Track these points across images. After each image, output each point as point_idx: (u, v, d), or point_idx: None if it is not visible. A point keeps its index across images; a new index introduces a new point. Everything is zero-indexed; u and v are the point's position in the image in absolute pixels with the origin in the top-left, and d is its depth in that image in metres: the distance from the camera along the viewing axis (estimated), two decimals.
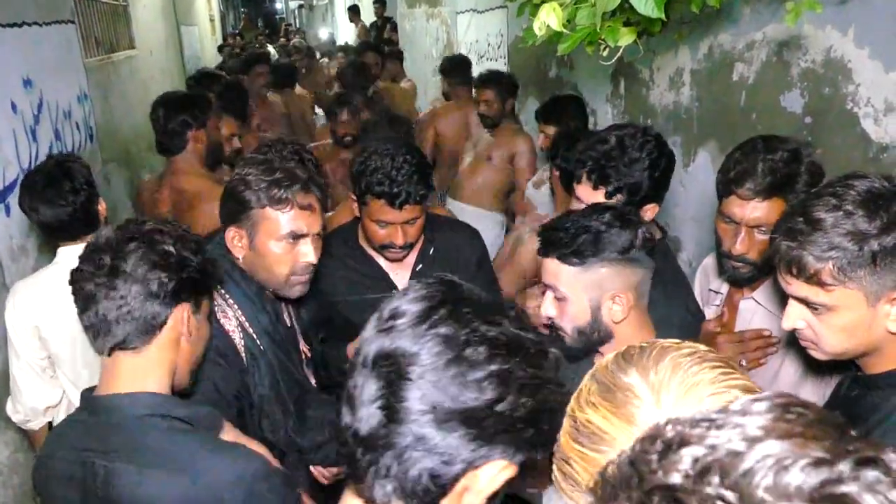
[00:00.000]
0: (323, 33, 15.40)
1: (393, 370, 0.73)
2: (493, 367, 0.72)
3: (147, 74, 6.43)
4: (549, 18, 1.11)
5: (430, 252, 2.01)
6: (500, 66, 4.85)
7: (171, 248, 1.16)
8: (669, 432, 0.49)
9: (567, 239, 1.33)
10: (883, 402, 1.09)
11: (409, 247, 1.91)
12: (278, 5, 31.05)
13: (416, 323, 0.74)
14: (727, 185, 1.49)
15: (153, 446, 1.11)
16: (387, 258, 1.95)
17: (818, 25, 2.08)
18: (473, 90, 3.87)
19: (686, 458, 0.46)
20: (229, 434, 1.27)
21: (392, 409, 0.72)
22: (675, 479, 0.46)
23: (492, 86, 3.57)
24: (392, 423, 0.72)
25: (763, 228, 1.47)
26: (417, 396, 0.71)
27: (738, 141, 1.63)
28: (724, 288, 1.77)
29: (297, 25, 22.92)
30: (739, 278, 1.59)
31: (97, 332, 1.15)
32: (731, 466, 0.44)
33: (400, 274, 1.99)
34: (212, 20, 14.70)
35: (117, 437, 1.12)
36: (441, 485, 0.73)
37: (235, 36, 16.01)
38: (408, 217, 1.83)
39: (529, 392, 0.74)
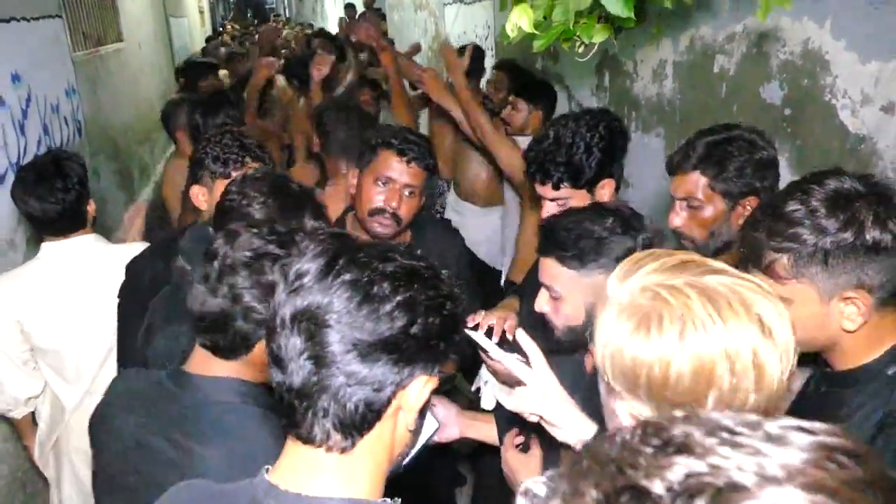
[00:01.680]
0: (314, 24, 15.34)
1: (311, 322, 0.80)
2: (399, 298, 0.81)
3: (136, 67, 6.41)
4: (520, 20, 1.13)
5: (418, 251, 2.03)
6: (489, 57, 4.86)
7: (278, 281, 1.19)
8: (677, 429, 0.43)
9: (568, 241, 1.34)
10: (848, 399, 1.11)
11: (398, 220, 1.91)
12: None
13: (321, 277, 0.81)
14: (666, 163, 1.62)
15: (237, 431, 1.12)
16: (374, 231, 1.92)
17: (796, 17, 2.10)
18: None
19: (678, 468, 0.39)
20: None
21: (319, 357, 0.80)
22: (657, 488, 0.39)
23: (506, 72, 3.60)
24: (322, 369, 0.80)
25: (693, 203, 1.55)
26: (338, 339, 0.79)
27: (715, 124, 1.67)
28: None
29: (287, 16, 22.79)
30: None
31: (196, 327, 1.17)
32: (725, 501, 0.36)
33: None
34: (201, 12, 14.62)
35: (205, 418, 1.14)
36: (376, 410, 0.82)
37: (226, 25, 15.92)
38: (410, 180, 1.87)
39: (435, 311, 0.83)
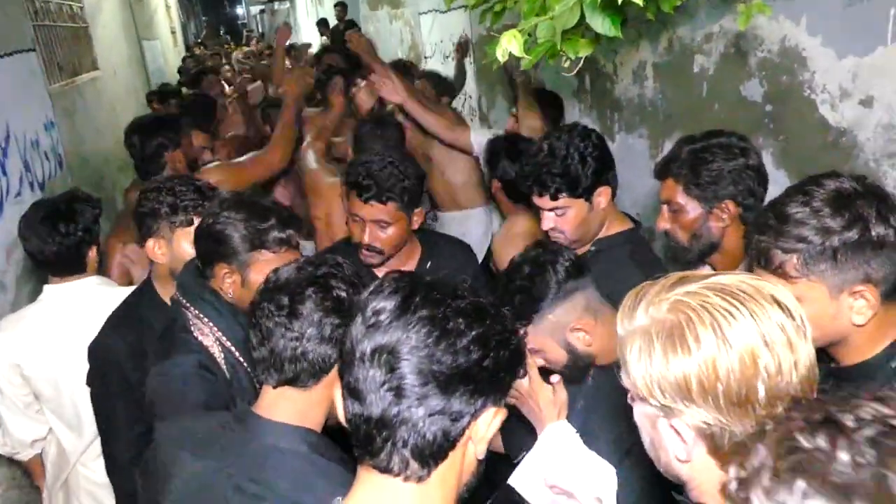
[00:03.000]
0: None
1: (392, 356, 0.83)
2: (474, 332, 0.85)
3: (113, 94, 6.37)
4: (510, 46, 1.15)
5: (428, 266, 2.05)
6: (466, 65, 4.88)
7: (345, 294, 1.20)
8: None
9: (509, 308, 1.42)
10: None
11: (379, 252, 1.92)
12: (239, 10, 30.72)
13: (399, 313, 0.85)
14: None
15: (303, 482, 1.12)
16: (363, 257, 1.95)
17: (772, 16, 2.14)
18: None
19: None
20: None
21: (399, 389, 0.83)
22: (847, 419, 0.59)
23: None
24: (402, 400, 0.83)
25: (672, 207, 1.64)
26: (418, 372, 0.83)
27: (702, 130, 1.72)
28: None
29: (260, 30, 22.71)
30: (677, 259, 1.72)
31: (268, 366, 1.19)
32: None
33: None
34: (173, 32, 14.53)
35: (271, 463, 1.14)
36: (452, 440, 0.86)
37: (199, 45, 15.84)
38: (376, 216, 1.86)
39: (504, 345, 0.88)
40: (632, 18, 2.03)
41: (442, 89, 3.78)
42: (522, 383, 1.42)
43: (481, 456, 0.90)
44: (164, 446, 1.25)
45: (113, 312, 1.90)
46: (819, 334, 1.14)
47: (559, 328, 1.43)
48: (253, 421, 1.19)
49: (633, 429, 0.97)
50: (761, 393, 0.81)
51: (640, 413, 0.92)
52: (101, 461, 1.93)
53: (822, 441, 0.60)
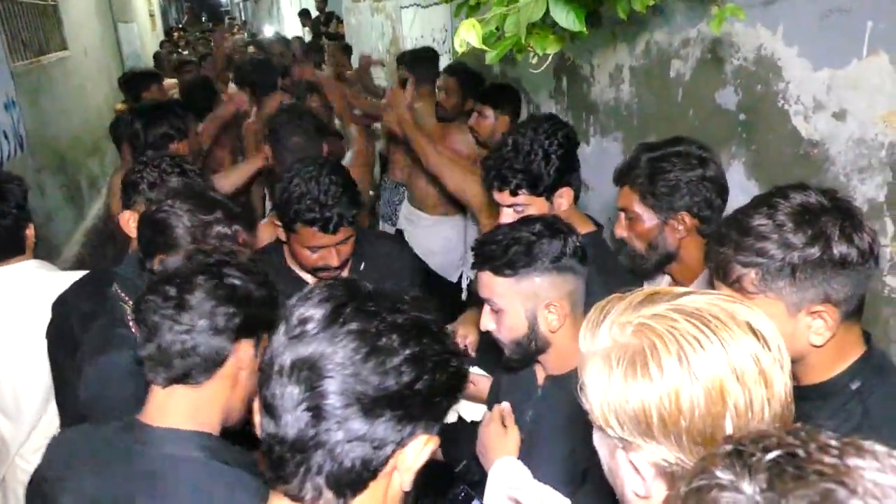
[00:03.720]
0: (268, 29, 15.11)
1: (313, 373, 0.75)
2: (408, 352, 0.77)
3: (82, 76, 6.20)
4: (468, 35, 1.09)
5: (361, 268, 1.97)
6: (445, 61, 4.82)
7: (238, 282, 1.14)
8: None
9: (499, 251, 1.35)
10: (814, 412, 1.11)
11: (343, 265, 1.87)
12: None
13: (326, 325, 0.77)
14: None
15: (204, 490, 1.06)
16: (321, 279, 1.88)
17: (749, 24, 2.11)
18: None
19: None
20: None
21: (318, 409, 0.75)
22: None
23: (457, 77, 3.42)
24: (321, 423, 0.75)
25: (628, 214, 1.61)
26: (340, 391, 0.75)
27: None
28: (662, 284, 1.79)
29: (243, 19, 22.43)
30: (635, 268, 1.67)
31: (156, 364, 1.11)
32: None
33: None
34: (152, 15, 14.27)
35: (167, 473, 1.07)
36: (372, 469, 0.78)
37: (179, 30, 15.59)
38: (341, 238, 1.78)
39: (441, 367, 0.80)
40: (606, 19, 1.99)
41: (469, 88, 3.37)
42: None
43: (407, 487, 0.83)
44: (53, 463, 1.16)
45: (88, 273, 1.89)
46: None
47: (535, 298, 1.36)
48: (140, 430, 1.10)
49: (588, 445, 0.90)
50: (728, 431, 0.73)
51: (599, 440, 0.85)
52: (41, 454, 1.85)
53: (724, 473, 0.54)
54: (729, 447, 0.56)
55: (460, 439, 1.62)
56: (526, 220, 1.43)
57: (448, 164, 2.64)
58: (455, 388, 0.83)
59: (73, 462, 1.13)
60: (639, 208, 1.57)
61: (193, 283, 1.11)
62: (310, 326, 0.77)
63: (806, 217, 1.05)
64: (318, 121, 2.69)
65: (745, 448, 0.55)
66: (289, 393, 0.76)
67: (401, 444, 0.78)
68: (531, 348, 1.39)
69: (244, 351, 1.15)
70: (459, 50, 1.16)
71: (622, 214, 1.64)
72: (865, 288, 1.10)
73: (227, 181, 2.78)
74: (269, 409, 0.78)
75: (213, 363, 1.12)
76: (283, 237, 1.86)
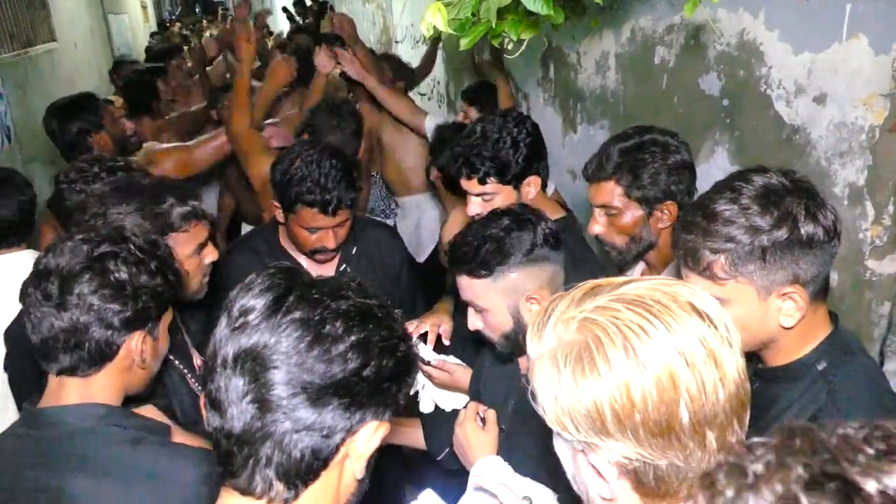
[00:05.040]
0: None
1: (257, 363, 0.74)
2: (353, 338, 0.76)
3: (71, 67, 6.17)
4: (434, 19, 1.08)
5: (353, 252, 1.99)
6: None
7: (126, 276, 1.09)
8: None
9: (471, 253, 1.34)
10: (782, 393, 1.11)
11: (339, 249, 1.90)
12: None
13: (269, 315, 0.75)
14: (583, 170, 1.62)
15: (109, 456, 1.06)
16: (317, 261, 1.92)
17: (731, 9, 2.10)
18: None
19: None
20: (177, 436, 1.23)
21: (264, 401, 0.74)
22: (869, 486, 0.42)
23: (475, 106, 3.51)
24: (267, 414, 0.74)
25: (610, 211, 1.55)
26: (285, 381, 0.73)
27: (661, 123, 1.66)
28: (637, 271, 1.79)
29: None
30: (613, 262, 1.64)
31: (44, 354, 1.10)
32: None
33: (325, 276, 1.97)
34: (144, 7, 14.16)
35: (67, 449, 1.07)
36: (323, 458, 0.77)
37: (174, 22, 15.46)
38: (340, 221, 1.82)
39: (389, 352, 0.79)
40: (591, 6, 1.97)
41: (400, 74, 3.66)
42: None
43: (360, 475, 0.82)
44: None
45: None
46: (748, 338, 1.09)
47: (515, 292, 1.34)
48: (37, 417, 1.10)
49: None
50: (685, 419, 0.71)
51: (559, 446, 0.82)
52: None
53: None
54: (824, 467, 0.47)
55: (442, 428, 1.62)
56: (494, 215, 1.41)
57: (399, 99, 3.06)
58: (404, 372, 0.82)
59: None
60: (621, 202, 1.53)
61: (76, 281, 1.07)
62: (251, 317, 0.76)
63: (770, 199, 1.05)
64: (357, 120, 2.68)
65: (857, 480, 0.46)
66: (233, 385, 0.74)
67: (351, 431, 0.77)
68: (517, 340, 1.39)
69: (138, 340, 1.13)
70: (427, 34, 1.14)
71: (598, 211, 1.60)
72: (830, 267, 1.10)
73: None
74: (215, 403, 0.76)
75: (102, 357, 1.10)
76: (280, 218, 1.89)
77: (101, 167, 1.78)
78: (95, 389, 1.12)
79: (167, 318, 1.22)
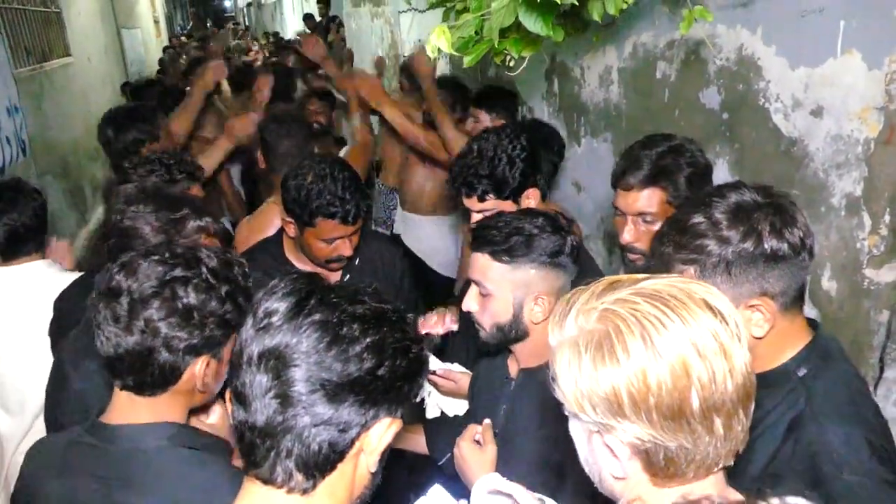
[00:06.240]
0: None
1: (279, 362, 0.80)
2: (368, 340, 0.82)
3: (85, 82, 6.28)
4: (439, 41, 1.13)
5: (357, 263, 2.04)
6: (442, 65, 4.87)
7: (196, 302, 1.09)
8: None
9: (500, 237, 1.38)
10: (762, 400, 1.13)
11: (351, 258, 1.96)
12: (227, 3, 30.45)
13: (291, 316, 0.82)
14: (614, 179, 1.62)
15: (175, 475, 1.09)
16: (332, 269, 1.97)
17: (730, 25, 2.15)
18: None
19: None
20: (237, 459, 1.25)
21: (285, 396, 0.80)
22: None
23: (446, 89, 3.46)
24: (288, 409, 0.80)
25: (647, 218, 1.57)
26: (305, 378, 0.80)
27: (646, 135, 1.69)
28: None
29: (247, 24, 22.55)
30: (636, 270, 1.65)
31: (112, 370, 1.12)
32: None
33: None
34: (156, 22, 14.38)
35: (141, 468, 1.09)
36: (339, 451, 0.83)
37: (188, 37, 15.67)
38: (356, 229, 1.89)
39: (402, 353, 0.85)
40: (593, 23, 2.03)
41: (454, 98, 3.45)
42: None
43: (374, 468, 0.87)
44: (24, 475, 1.19)
45: (88, 272, 1.95)
46: None
47: (526, 288, 1.38)
48: (107, 430, 1.12)
49: (563, 434, 0.93)
50: (695, 405, 0.77)
51: (574, 428, 0.88)
52: None
53: None
54: None
55: (444, 433, 1.66)
56: (529, 212, 1.45)
57: (403, 119, 2.97)
58: (416, 372, 0.87)
59: (40, 472, 1.15)
60: (661, 209, 1.53)
61: (144, 306, 1.07)
62: (275, 319, 0.82)
63: (739, 214, 1.09)
64: (306, 126, 2.75)
65: None
66: (257, 382, 0.81)
67: (365, 426, 0.83)
68: (510, 335, 1.42)
69: (202, 365, 1.13)
70: (432, 55, 1.19)
71: (633, 219, 1.59)
72: (802, 279, 1.13)
73: (209, 161, 2.81)
74: (240, 398, 0.82)
75: (165, 381, 1.11)
76: (291, 233, 1.93)
77: (166, 168, 1.87)
78: (163, 408, 1.14)
79: (232, 343, 1.20)
